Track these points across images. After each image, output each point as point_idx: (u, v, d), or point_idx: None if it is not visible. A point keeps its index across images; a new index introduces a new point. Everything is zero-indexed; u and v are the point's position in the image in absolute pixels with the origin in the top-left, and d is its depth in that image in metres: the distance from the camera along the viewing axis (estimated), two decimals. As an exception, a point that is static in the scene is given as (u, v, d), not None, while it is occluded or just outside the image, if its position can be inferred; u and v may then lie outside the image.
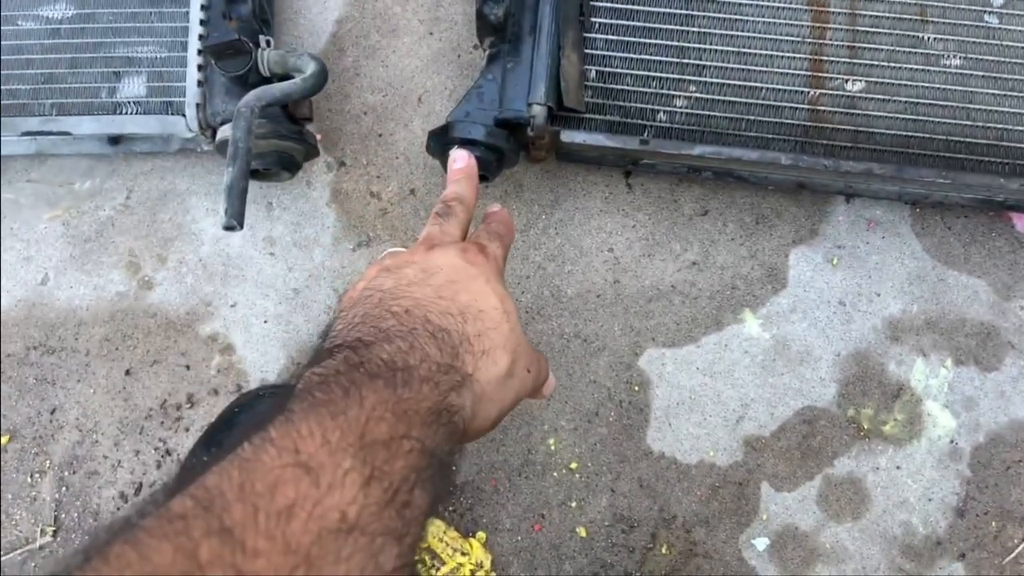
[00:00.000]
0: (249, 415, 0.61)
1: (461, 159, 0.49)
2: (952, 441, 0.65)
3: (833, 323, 0.67)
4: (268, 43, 0.64)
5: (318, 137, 0.71)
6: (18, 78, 0.65)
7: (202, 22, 0.65)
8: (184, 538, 0.22)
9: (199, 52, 0.64)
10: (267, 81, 0.64)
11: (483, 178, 0.65)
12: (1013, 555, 0.63)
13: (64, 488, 0.66)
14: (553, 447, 0.66)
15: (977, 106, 0.64)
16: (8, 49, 0.66)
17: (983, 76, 0.64)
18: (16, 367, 0.68)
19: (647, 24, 0.66)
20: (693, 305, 0.68)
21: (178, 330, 0.68)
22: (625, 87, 0.65)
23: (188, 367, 0.68)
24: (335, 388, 0.29)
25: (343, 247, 0.70)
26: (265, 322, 0.68)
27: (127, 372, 0.68)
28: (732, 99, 0.64)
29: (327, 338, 0.35)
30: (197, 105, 0.64)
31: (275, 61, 0.63)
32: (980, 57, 0.64)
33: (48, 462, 0.67)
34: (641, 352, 0.67)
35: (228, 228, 0.55)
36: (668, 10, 0.66)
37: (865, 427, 0.66)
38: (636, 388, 0.67)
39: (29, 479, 0.66)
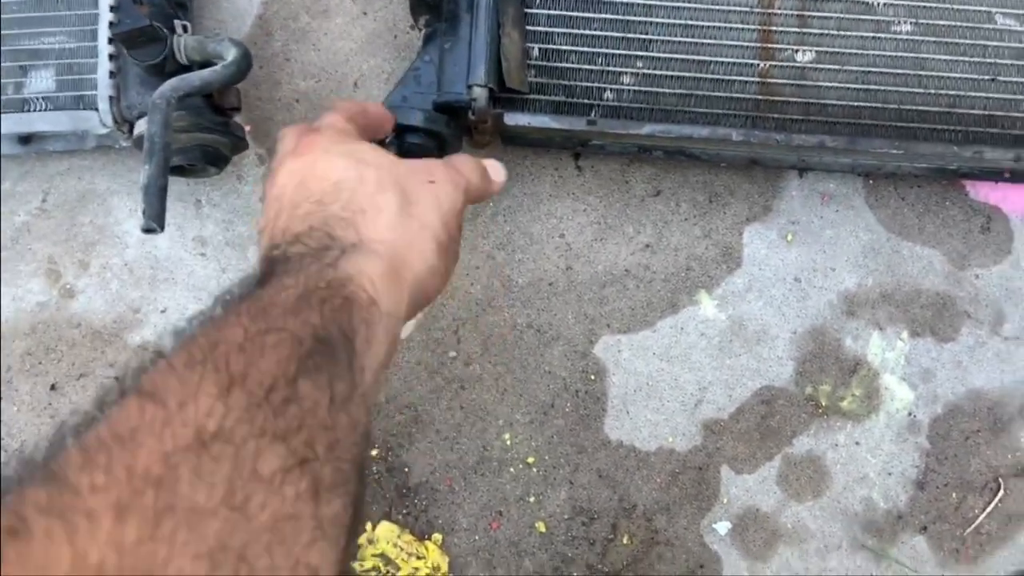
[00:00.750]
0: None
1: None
2: (910, 414, 0.65)
3: (789, 300, 0.66)
4: (185, 28, 0.59)
5: (247, 128, 0.67)
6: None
7: (112, 8, 0.60)
8: (12, 513, 0.20)
9: (110, 41, 0.59)
10: (185, 70, 0.59)
11: (424, 166, 0.62)
12: (974, 525, 0.63)
13: (-8, 513, 0.62)
14: (509, 442, 0.64)
15: (928, 73, 0.62)
16: None
17: (934, 42, 0.63)
18: (-68, 387, 0.64)
19: (590, -3, 0.63)
20: (648, 289, 0.66)
21: (105, 340, 0.64)
22: (569, 65, 0.62)
23: (118, 379, 0.64)
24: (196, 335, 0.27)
25: (280, 243, 0.66)
26: (200, 326, 0.65)
27: (52, 387, 0.64)
28: (681, 74, 0.62)
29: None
30: (110, 98, 0.59)
31: (193, 47, 0.59)
32: (931, 22, 0.63)
33: (-27, 486, 0.63)
34: (596, 340, 0.65)
35: (147, 231, 0.51)
36: (610, -18, 0.63)
37: (823, 404, 0.65)
38: (592, 377, 0.65)
39: (-47, 505, 0.62)
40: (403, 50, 0.69)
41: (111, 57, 0.59)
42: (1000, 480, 0.63)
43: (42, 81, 0.60)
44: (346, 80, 0.69)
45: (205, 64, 0.59)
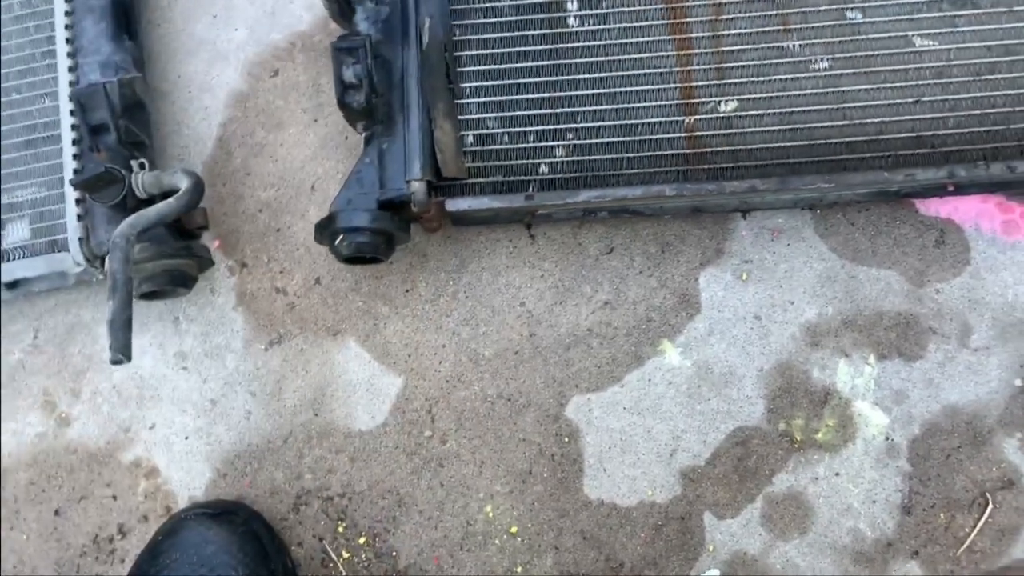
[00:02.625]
0: (171, 541, 0.60)
1: None
2: (887, 438, 0.65)
3: (751, 339, 0.67)
4: (142, 166, 0.64)
5: (215, 243, 0.71)
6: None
7: (75, 156, 0.65)
8: None
9: (73, 187, 0.64)
10: (147, 203, 0.64)
11: (376, 260, 0.65)
12: (966, 544, 0.62)
13: (13, 641, 0.65)
14: (491, 514, 0.66)
15: (851, 104, 0.64)
16: None
17: (853, 74, 0.64)
18: (-51, 526, 0.67)
19: (516, 80, 0.66)
20: (611, 345, 0.68)
21: (100, 461, 0.68)
22: (503, 146, 0.65)
23: (115, 497, 0.67)
24: None
25: (255, 348, 0.69)
26: (186, 438, 0.68)
27: (56, 512, 0.67)
28: (610, 139, 0.65)
29: None
30: (80, 240, 0.64)
31: (150, 183, 0.63)
32: (848, 55, 0.65)
33: (-6, 617, 0.66)
34: (566, 402, 0.67)
35: (115, 362, 0.55)
36: (535, 63, 0.66)
37: (798, 439, 0.65)
38: (566, 439, 0.66)
39: (-23, 638, 0.66)
40: (354, 150, 0.73)
41: (78, 202, 0.64)
42: (987, 495, 0.63)
43: (19, 232, 0.65)
44: (303, 185, 0.73)
45: (165, 194, 0.64)
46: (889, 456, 0.64)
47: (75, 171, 0.65)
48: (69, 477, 0.68)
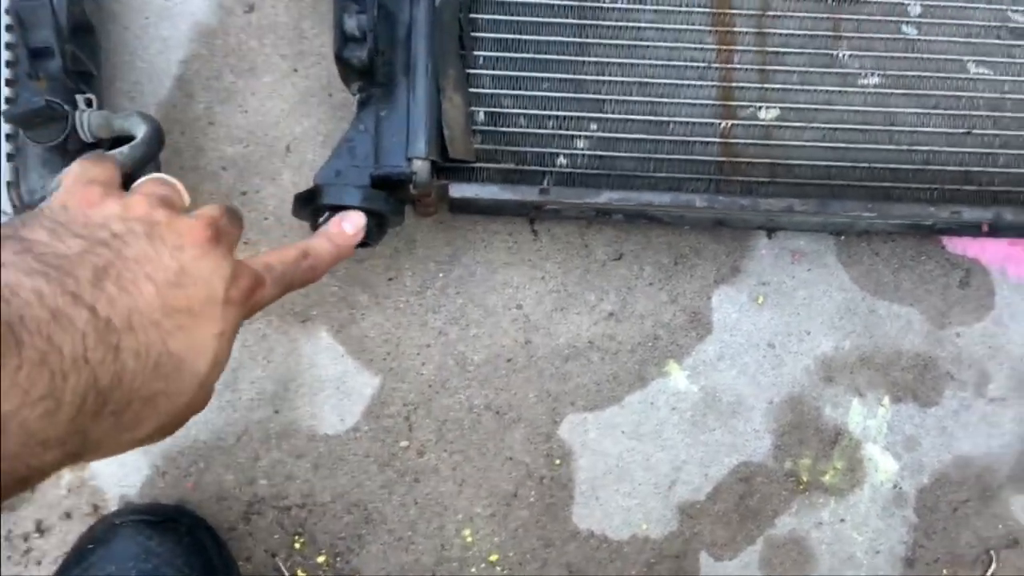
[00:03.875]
0: (103, 551, 0.51)
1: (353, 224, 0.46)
2: (896, 486, 0.61)
3: (763, 368, 0.62)
4: (89, 102, 0.53)
5: (170, 202, 0.61)
6: None
7: (8, 82, 0.54)
8: None
9: (4, 120, 0.53)
10: (92, 146, 0.54)
11: (365, 244, 0.56)
12: (965, 604, 0.59)
13: None
14: (470, 539, 0.59)
15: (900, 128, 0.59)
16: None
17: (904, 94, 0.59)
18: None
19: (538, 55, 0.58)
20: (614, 361, 0.62)
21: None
22: (518, 129, 0.57)
23: (32, 489, 0.57)
24: None
25: (210, 329, 0.60)
26: (122, 427, 0.58)
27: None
28: (638, 136, 0.58)
29: None
30: (8, 183, 0.53)
31: (98, 125, 0.53)
32: (899, 73, 0.59)
33: None
34: (560, 419, 0.61)
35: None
36: (560, 38, 0.58)
37: (805, 479, 0.61)
38: (557, 461, 0.60)
39: None
40: (339, 109, 0.64)
41: (8, 137, 0.53)
42: (991, 552, 0.60)
43: (-69, 165, 0.54)
44: (277, 144, 0.63)
45: (114, 141, 0.53)
46: (896, 505, 0.61)
47: (7, 100, 0.53)
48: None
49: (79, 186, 0.34)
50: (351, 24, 0.53)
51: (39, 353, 0.24)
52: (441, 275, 0.62)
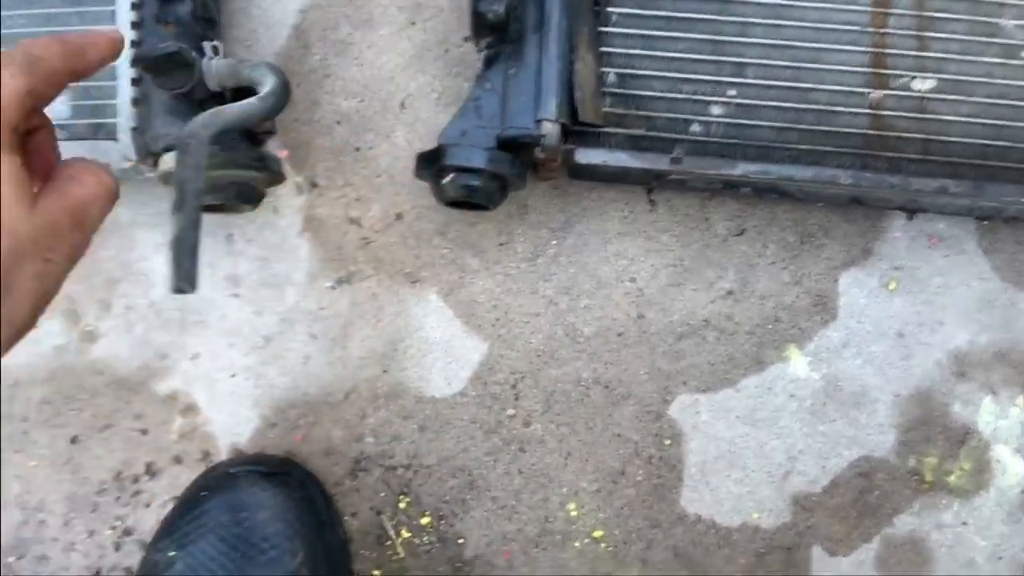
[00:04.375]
0: (219, 499, 0.52)
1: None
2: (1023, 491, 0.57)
3: (891, 359, 0.59)
4: (216, 50, 0.52)
5: (284, 154, 0.60)
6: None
7: (134, 24, 0.53)
8: None
9: (132, 64, 0.52)
10: (216, 97, 0.53)
11: (483, 207, 0.55)
12: (1096, 621, 0.56)
13: (10, 576, 0.57)
14: (574, 513, 0.58)
15: (1068, 107, 0.54)
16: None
17: (1073, 69, 0.54)
18: (-56, 437, 0.58)
19: (674, 14, 0.54)
20: (730, 342, 0.59)
21: (131, 388, 0.58)
22: (650, 93, 0.54)
23: (145, 432, 0.58)
24: None
25: (320, 284, 0.59)
26: (233, 376, 0.59)
27: (73, 440, 0.58)
28: (779, 104, 0.54)
29: None
30: (133, 129, 0.52)
31: (225, 74, 0.52)
32: (1069, 45, 0.54)
33: (-11, 546, 0.58)
34: (672, 399, 0.59)
35: (178, 291, 0.44)
36: (701, -5, 0.54)
37: (928, 479, 0.58)
38: (667, 441, 0.58)
39: (-32, 567, 0.58)
40: (455, 66, 0.62)
41: (133, 82, 0.53)
42: None
43: (55, 106, 0.53)
44: (392, 99, 0.62)
45: (241, 90, 0.52)
46: (1022, 511, 0.57)
47: (133, 43, 0.53)
48: (91, 402, 0.58)
49: None
50: (487, -25, 0.51)
51: None
52: (554, 243, 0.60)
